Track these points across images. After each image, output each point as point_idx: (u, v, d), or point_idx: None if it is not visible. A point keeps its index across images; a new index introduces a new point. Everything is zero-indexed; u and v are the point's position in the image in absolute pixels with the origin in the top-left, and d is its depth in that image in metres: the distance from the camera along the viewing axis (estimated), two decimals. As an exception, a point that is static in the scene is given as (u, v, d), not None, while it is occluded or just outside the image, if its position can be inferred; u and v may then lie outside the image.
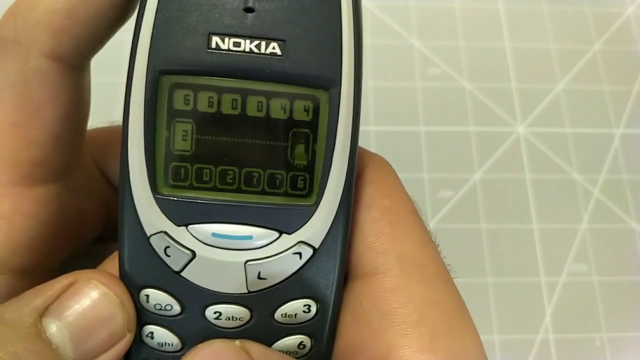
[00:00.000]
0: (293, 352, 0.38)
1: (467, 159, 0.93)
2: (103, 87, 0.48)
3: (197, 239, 0.36)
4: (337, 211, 0.36)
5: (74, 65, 0.37)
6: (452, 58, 0.98)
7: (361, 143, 0.39)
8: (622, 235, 0.91)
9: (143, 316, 0.37)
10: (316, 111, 0.35)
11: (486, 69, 0.98)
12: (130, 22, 0.36)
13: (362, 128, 0.85)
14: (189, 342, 0.38)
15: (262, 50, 0.34)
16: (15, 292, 0.35)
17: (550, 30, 1.01)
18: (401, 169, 0.40)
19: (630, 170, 0.94)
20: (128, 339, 0.36)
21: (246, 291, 0.37)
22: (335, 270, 0.37)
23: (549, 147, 0.94)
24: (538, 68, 0.99)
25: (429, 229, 0.39)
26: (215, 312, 0.37)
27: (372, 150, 0.40)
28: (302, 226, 0.36)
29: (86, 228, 0.45)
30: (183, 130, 0.35)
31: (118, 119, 0.36)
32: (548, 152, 0.94)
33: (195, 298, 0.37)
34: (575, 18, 1.03)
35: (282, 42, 0.34)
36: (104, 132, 0.47)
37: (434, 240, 0.39)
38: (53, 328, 0.33)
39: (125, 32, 0.36)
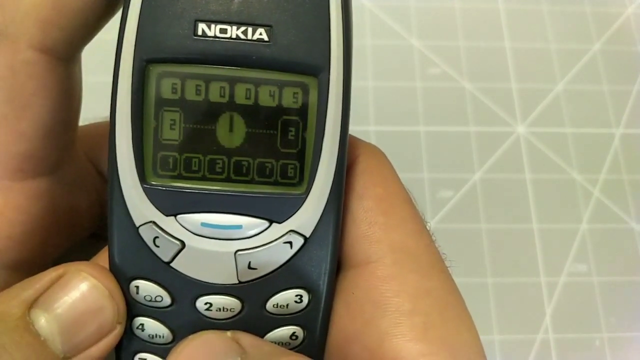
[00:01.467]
0: (285, 343, 0.38)
1: (467, 159, 0.93)
2: (99, 86, 0.48)
3: (186, 228, 0.36)
4: (327, 199, 0.36)
5: (63, 58, 0.37)
6: (452, 58, 0.98)
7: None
8: (622, 235, 0.91)
9: (133, 308, 0.37)
10: (305, 98, 0.35)
11: (486, 69, 0.98)
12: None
13: (362, 128, 0.86)
14: (179, 333, 0.37)
15: (249, 37, 0.34)
16: (7, 287, 0.35)
17: (550, 30, 1.01)
18: (401, 169, 0.40)
19: (630, 170, 0.93)
20: (118, 331, 0.36)
21: (237, 281, 0.37)
22: (327, 260, 0.37)
23: (549, 147, 0.94)
24: (538, 68, 0.99)
25: (427, 225, 0.39)
26: (205, 303, 0.37)
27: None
28: (292, 215, 0.36)
29: (80, 223, 0.45)
30: (171, 119, 0.35)
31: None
32: (548, 152, 0.93)
33: (185, 289, 0.37)
34: (575, 18, 1.03)
35: (269, 28, 0.34)
36: (97, 128, 0.47)
37: (428, 230, 0.39)
38: (42, 320, 0.33)
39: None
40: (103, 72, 0.46)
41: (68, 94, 0.39)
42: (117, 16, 0.37)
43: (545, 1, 1.03)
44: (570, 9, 1.03)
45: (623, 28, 1.03)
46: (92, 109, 0.44)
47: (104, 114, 0.43)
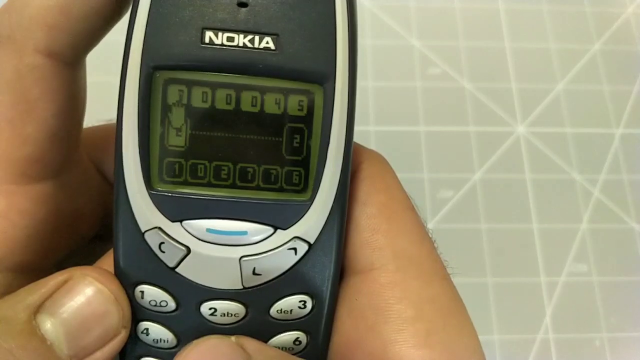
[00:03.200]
0: (289, 349, 0.38)
1: (467, 159, 0.93)
2: (101, 86, 0.48)
3: (191, 234, 0.36)
4: (332, 206, 0.36)
5: (68, 62, 0.37)
6: (452, 58, 0.98)
7: (361, 143, 0.39)
8: (622, 235, 0.91)
9: (138, 312, 0.37)
10: (310, 106, 0.35)
11: (486, 69, 0.98)
12: (126, 22, 0.36)
13: (362, 128, 0.86)
14: (184, 338, 0.38)
15: (256, 45, 0.34)
16: (11, 290, 0.35)
17: (550, 30, 1.01)
18: (401, 169, 0.40)
19: (630, 170, 0.94)
20: (123, 335, 0.36)
21: (241, 287, 0.37)
22: (331, 266, 0.37)
23: (549, 147, 0.94)
24: (538, 68, 0.99)
25: (427, 226, 0.39)
26: (210, 308, 0.37)
27: (372, 150, 0.40)
28: (297, 221, 0.36)
29: (83, 226, 0.45)
30: (177, 126, 0.35)
31: (115, 118, 0.36)
32: (548, 152, 0.93)
33: (190, 294, 0.37)
34: (575, 18, 1.03)
35: (275, 37, 0.34)
36: (101, 130, 0.47)
37: (430, 236, 0.39)
38: (47, 325, 0.33)
39: (122, 33, 0.36)
40: (103, 72, 0.46)
41: (73, 98, 0.39)
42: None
43: (545, 1, 1.03)
44: (570, 9, 1.03)
45: (623, 28, 1.03)
46: (91, 110, 0.44)
47: (103, 114, 0.44)
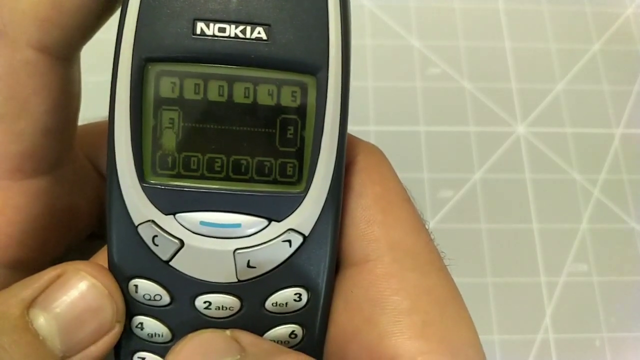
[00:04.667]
0: (285, 342, 0.38)
1: (467, 159, 0.93)
2: (99, 86, 0.48)
3: (185, 227, 0.36)
4: (326, 198, 0.36)
5: (62, 57, 0.37)
6: (452, 58, 0.98)
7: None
8: (622, 235, 0.91)
9: (132, 307, 0.37)
10: (304, 97, 0.35)
11: (486, 69, 0.98)
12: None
13: (362, 128, 0.85)
14: (178, 332, 0.37)
15: (248, 35, 0.34)
16: (6, 286, 0.35)
17: (550, 30, 1.01)
18: (401, 169, 0.40)
19: (630, 170, 0.93)
20: (117, 330, 0.36)
21: (236, 280, 0.37)
22: (326, 258, 0.37)
23: (549, 147, 0.94)
24: (538, 68, 0.99)
25: (427, 226, 0.39)
26: (205, 302, 0.37)
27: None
28: (291, 213, 0.36)
29: (79, 222, 0.45)
30: (170, 118, 0.35)
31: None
32: (548, 152, 0.93)
33: (184, 288, 0.37)
34: (575, 18, 1.03)
35: (267, 27, 0.34)
36: (96, 127, 0.47)
37: (427, 228, 0.39)
38: (41, 320, 0.33)
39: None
40: (103, 72, 0.46)
41: (67, 93, 0.39)
42: (116, 16, 0.37)
43: (545, 1, 1.03)
44: (570, 9, 1.03)
45: (623, 28, 1.03)
46: (91, 109, 0.44)
47: (103, 113, 0.43)
